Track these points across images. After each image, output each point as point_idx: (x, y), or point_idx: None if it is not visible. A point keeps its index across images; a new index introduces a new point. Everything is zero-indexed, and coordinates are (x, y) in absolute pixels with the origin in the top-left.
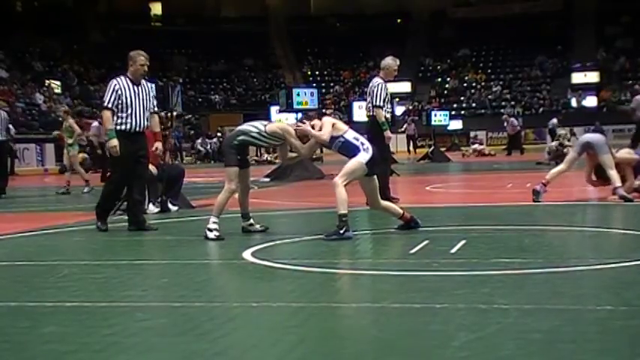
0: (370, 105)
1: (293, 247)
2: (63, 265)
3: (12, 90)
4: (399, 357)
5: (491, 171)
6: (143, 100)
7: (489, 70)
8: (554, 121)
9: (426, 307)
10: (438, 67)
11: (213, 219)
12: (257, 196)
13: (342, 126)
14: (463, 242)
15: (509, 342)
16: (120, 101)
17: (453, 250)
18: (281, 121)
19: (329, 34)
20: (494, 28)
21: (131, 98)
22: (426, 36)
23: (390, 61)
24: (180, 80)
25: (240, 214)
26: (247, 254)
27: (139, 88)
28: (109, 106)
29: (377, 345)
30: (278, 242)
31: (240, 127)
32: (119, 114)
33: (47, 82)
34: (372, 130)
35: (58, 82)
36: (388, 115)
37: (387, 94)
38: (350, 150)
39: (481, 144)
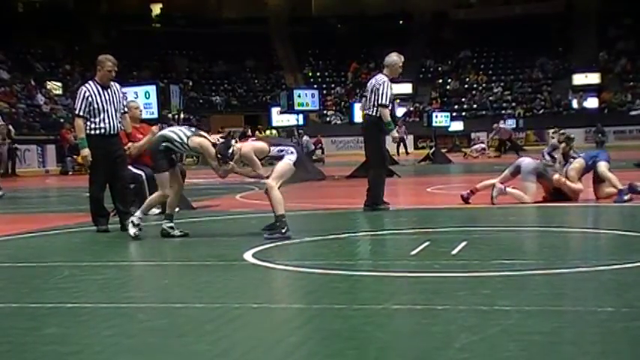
0: (370, 104)
1: (294, 248)
2: (64, 266)
3: (13, 91)
4: (400, 358)
5: (492, 172)
6: (114, 102)
7: (490, 72)
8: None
9: (427, 309)
10: (439, 69)
11: (139, 214)
12: (258, 198)
13: (263, 147)
14: (464, 243)
15: (511, 343)
16: (91, 107)
17: (454, 252)
18: (206, 135)
19: (330, 35)
20: (495, 29)
21: (102, 103)
22: (427, 37)
23: (395, 58)
24: (190, 84)
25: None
26: (248, 255)
27: (109, 91)
28: (81, 113)
29: (378, 346)
30: (279, 243)
31: (163, 132)
32: (92, 119)
33: (49, 84)
34: (368, 131)
35: (59, 84)
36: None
37: (392, 92)
38: (276, 159)
39: (483, 144)
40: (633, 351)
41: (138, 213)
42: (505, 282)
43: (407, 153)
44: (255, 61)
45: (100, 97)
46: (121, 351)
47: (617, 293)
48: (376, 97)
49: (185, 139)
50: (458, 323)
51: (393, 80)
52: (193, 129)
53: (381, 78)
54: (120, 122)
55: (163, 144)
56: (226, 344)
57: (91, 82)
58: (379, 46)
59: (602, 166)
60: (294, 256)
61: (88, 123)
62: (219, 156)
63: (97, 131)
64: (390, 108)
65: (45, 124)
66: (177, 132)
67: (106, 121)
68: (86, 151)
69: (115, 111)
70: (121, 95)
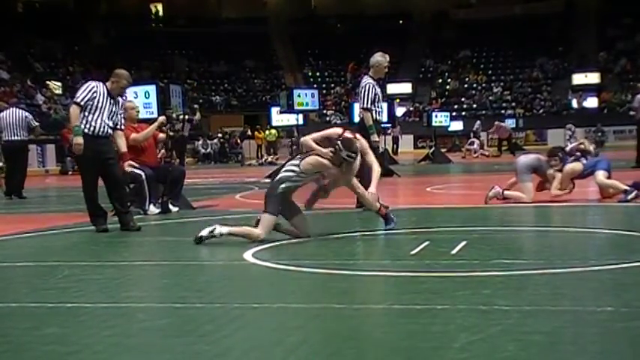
0: (359, 106)
1: (294, 247)
2: (63, 266)
3: (13, 91)
4: (399, 358)
5: (492, 172)
6: (112, 109)
7: (490, 72)
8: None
9: (427, 309)
10: (439, 68)
11: (223, 230)
12: (258, 197)
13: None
14: (464, 243)
15: (510, 343)
16: (91, 102)
17: (454, 251)
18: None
19: (330, 35)
20: (495, 29)
21: (102, 103)
22: (426, 37)
23: (379, 58)
24: (194, 84)
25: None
26: (248, 255)
27: (113, 100)
28: (80, 102)
29: (378, 346)
30: (279, 243)
31: (278, 177)
32: (86, 114)
33: (49, 83)
34: (361, 132)
35: (59, 83)
36: (379, 117)
37: (375, 94)
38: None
39: (481, 145)
40: (633, 351)
41: (223, 230)
42: (505, 282)
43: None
44: (254, 61)
45: (103, 98)
46: (121, 351)
47: (616, 293)
48: (360, 101)
49: (298, 169)
50: (457, 323)
51: (379, 80)
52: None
53: (364, 81)
54: (111, 129)
55: (282, 186)
56: (226, 344)
57: (101, 83)
58: (379, 45)
59: (600, 176)
60: (294, 256)
61: (81, 116)
62: (346, 156)
63: (87, 129)
64: (372, 110)
65: (45, 124)
66: (289, 167)
67: (98, 121)
68: (80, 139)
69: (109, 116)
70: (121, 111)
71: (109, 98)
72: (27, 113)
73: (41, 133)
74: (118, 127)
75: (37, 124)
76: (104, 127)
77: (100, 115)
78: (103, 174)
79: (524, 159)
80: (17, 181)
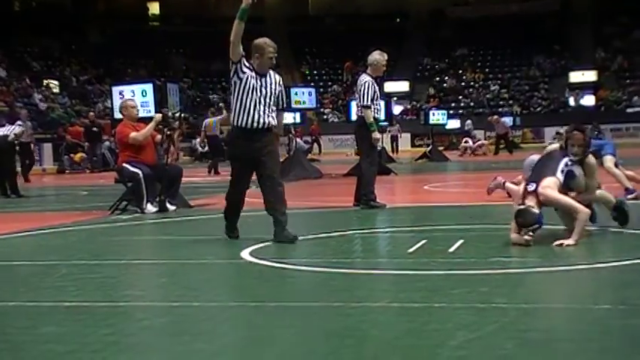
0: (358, 104)
1: (291, 246)
2: (61, 264)
3: (10, 90)
4: (397, 356)
5: (489, 170)
6: (266, 92)
7: (487, 70)
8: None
9: (425, 307)
10: (436, 67)
11: None
12: (257, 195)
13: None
14: (461, 241)
15: (508, 341)
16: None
17: (452, 249)
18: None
19: (327, 34)
20: (492, 27)
21: (252, 87)
22: (424, 35)
23: (377, 56)
24: (190, 83)
25: None
26: (245, 254)
27: (265, 79)
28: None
29: (375, 344)
30: (277, 242)
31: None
32: (237, 104)
33: (45, 81)
34: (359, 130)
35: (56, 82)
36: (377, 115)
37: (374, 92)
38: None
39: (478, 141)
40: (631, 348)
41: None
42: (502, 279)
43: (396, 152)
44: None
45: (255, 81)
46: (119, 350)
47: (614, 290)
48: (359, 98)
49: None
50: (455, 321)
51: (377, 78)
52: None
53: (362, 79)
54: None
55: None
56: (224, 342)
57: (249, 69)
58: (376, 44)
59: (608, 162)
60: (291, 254)
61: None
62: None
63: (237, 123)
64: (372, 108)
65: (42, 123)
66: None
67: (251, 112)
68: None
69: (264, 105)
70: (280, 88)
71: (259, 79)
72: (16, 127)
73: (17, 137)
74: (281, 106)
75: (20, 125)
76: (259, 118)
77: (253, 103)
78: (256, 170)
79: (535, 157)
80: (10, 180)
